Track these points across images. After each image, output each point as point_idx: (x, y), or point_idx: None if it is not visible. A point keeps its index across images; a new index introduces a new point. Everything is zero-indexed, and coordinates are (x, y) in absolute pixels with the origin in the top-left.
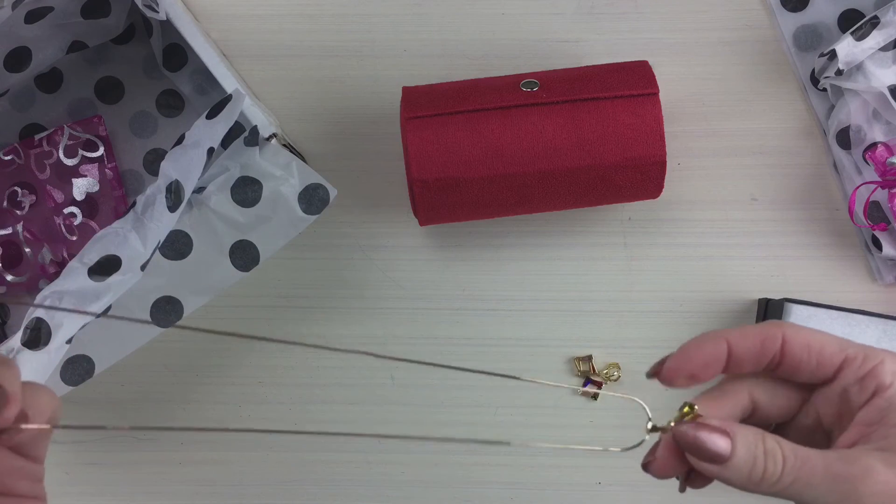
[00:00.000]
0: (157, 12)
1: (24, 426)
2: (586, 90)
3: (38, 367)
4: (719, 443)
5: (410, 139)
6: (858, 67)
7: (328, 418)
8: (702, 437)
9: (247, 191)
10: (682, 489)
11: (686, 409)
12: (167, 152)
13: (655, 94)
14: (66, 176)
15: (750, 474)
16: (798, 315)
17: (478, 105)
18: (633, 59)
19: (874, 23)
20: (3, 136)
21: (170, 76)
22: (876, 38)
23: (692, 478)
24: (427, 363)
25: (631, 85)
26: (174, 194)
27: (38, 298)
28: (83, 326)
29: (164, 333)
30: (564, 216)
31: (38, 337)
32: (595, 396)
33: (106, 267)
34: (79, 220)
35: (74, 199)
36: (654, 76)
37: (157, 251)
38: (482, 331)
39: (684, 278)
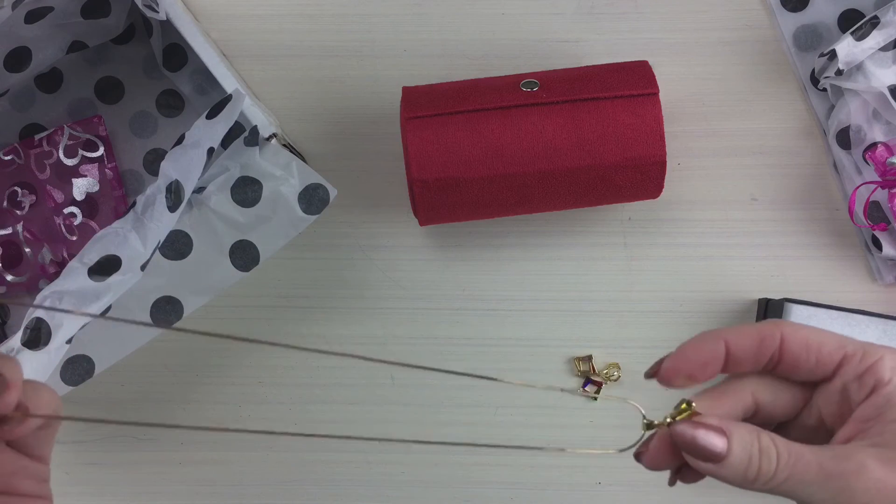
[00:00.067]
0: (157, 12)
1: (30, 414)
2: (586, 90)
3: (38, 367)
4: (716, 442)
5: (410, 139)
6: (858, 67)
7: (328, 418)
8: (699, 437)
9: (247, 191)
10: (671, 482)
11: (683, 405)
12: (167, 152)
13: (655, 94)
14: (66, 176)
15: (745, 473)
16: (798, 315)
17: (478, 105)
18: (633, 59)
19: (874, 23)
20: (3, 136)
21: (170, 76)
22: (876, 38)
23: (683, 472)
24: (403, 364)
25: (631, 85)
26: (174, 194)
27: (38, 298)
28: (83, 326)
29: (164, 333)
30: (564, 216)
31: (38, 337)
32: (596, 397)
33: (106, 267)
34: (79, 220)
35: (74, 199)
36: (654, 76)
37: (157, 251)
38: (482, 331)
39: (684, 278)
